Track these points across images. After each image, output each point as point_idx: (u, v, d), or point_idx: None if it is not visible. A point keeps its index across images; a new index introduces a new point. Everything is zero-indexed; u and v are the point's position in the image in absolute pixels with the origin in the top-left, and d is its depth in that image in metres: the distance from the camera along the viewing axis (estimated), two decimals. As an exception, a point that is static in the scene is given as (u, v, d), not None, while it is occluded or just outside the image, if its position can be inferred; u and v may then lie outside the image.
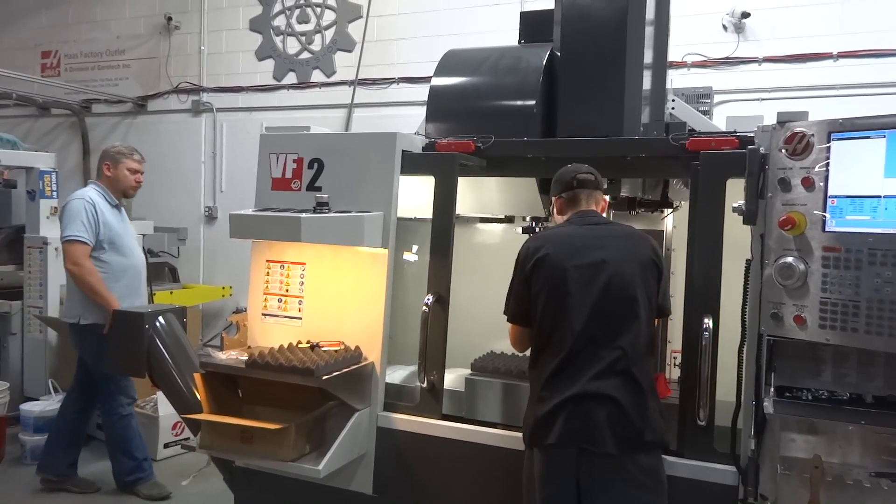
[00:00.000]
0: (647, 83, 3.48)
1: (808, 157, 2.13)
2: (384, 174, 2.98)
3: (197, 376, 2.81)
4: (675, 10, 5.41)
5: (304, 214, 2.70)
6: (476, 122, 3.24)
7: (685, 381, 2.56)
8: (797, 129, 2.14)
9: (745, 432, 2.35)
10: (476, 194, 3.59)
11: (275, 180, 3.16)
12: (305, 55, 6.89)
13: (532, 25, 3.60)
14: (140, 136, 7.41)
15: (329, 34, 6.79)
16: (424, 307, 2.87)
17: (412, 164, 3.02)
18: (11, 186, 5.67)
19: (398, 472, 2.93)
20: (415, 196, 3.15)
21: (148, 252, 5.02)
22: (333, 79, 6.78)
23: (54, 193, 5.33)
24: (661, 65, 3.63)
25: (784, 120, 2.19)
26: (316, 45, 6.85)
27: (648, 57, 3.47)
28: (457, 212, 3.55)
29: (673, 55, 5.65)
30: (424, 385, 2.90)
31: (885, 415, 2.08)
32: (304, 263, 3.09)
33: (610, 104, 3.10)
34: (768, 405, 2.17)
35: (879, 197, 2.00)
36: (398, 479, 2.93)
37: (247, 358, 2.75)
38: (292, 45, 6.95)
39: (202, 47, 7.27)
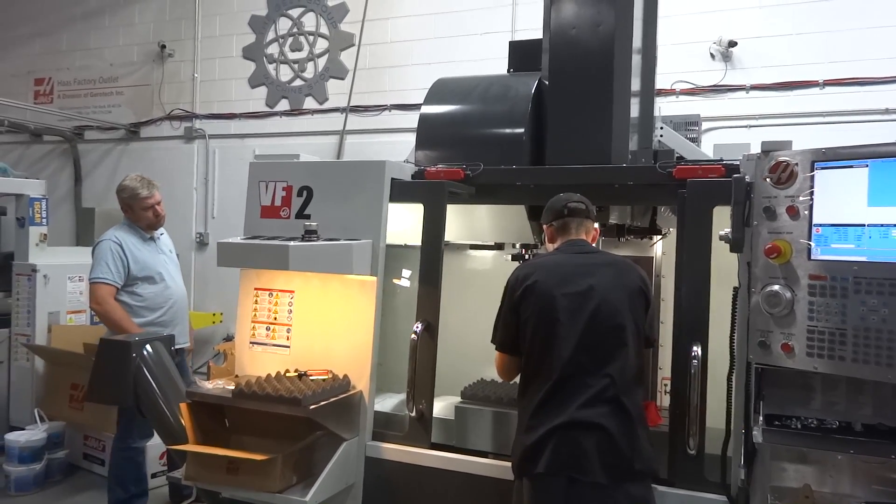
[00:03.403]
0: (634, 111, 3.52)
1: (793, 186, 2.14)
2: (373, 202, 2.98)
3: (182, 406, 2.79)
4: (663, 39, 5.50)
5: (291, 243, 2.69)
6: (465, 149, 3.26)
7: (675, 410, 2.55)
8: (781, 158, 2.16)
9: (735, 461, 2.33)
10: (466, 221, 3.59)
11: (264, 208, 3.16)
12: (298, 82, 6.93)
13: (521, 54, 3.64)
14: (132, 162, 7.42)
15: (322, 62, 6.84)
16: (413, 335, 2.86)
17: (401, 191, 3.03)
18: (1, 213, 5.65)
19: (387, 503, 2.90)
20: (404, 223, 3.16)
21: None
22: (326, 106, 6.82)
23: (44, 220, 5.31)
24: (649, 93, 3.68)
25: (768, 149, 2.21)
26: (309, 73, 6.90)
27: (636, 85, 3.51)
28: (447, 239, 3.60)
29: (662, 83, 5.74)
30: (413, 414, 2.88)
31: (874, 444, 2.07)
32: (293, 291, 3.09)
33: (598, 132, 3.14)
34: (757, 434, 2.16)
35: (864, 226, 2.01)
36: (386, 509, 2.90)
37: (233, 387, 2.73)
38: (285, 73, 7.00)
39: (195, 74, 7.31)
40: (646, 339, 2.59)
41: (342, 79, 6.70)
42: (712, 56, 5.60)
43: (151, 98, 7.50)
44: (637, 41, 3.47)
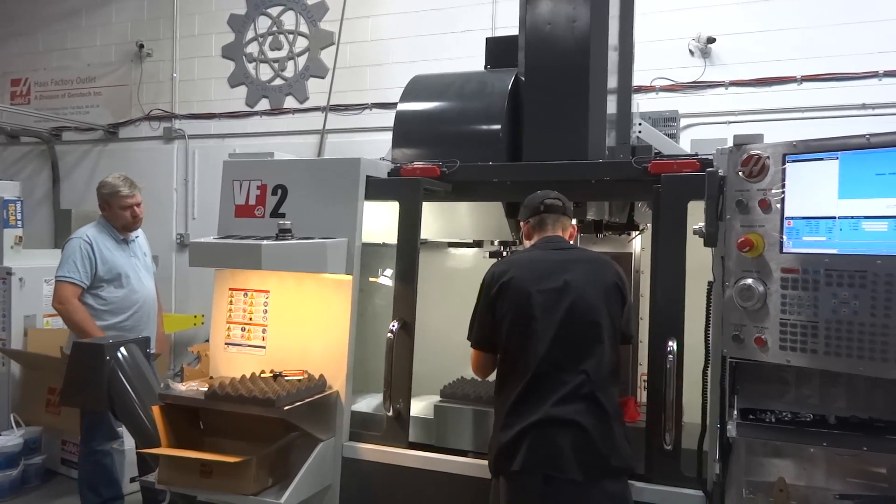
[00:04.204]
0: (612, 107, 3.52)
1: (765, 179, 2.14)
2: (348, 200, 2.96)
3: (155, 409, 2.75)
4: (642, 36, 5.50)
5: (264, 242, 2.66)
6: (442, 146, 3.24)
7: (651, 405, 2.54)
8: (753, 152, 2.15)
9: (711, 456, 2.32)
10: (445, 219, 3.58)
11: (238, 207, 3.13)
12: (278, 82, 6.89)
13: (498, 51, 3.62)
14: (111, 163, 7.33)
15: (302, 61, 6.80)
16: (389, 334, 2.84)
17: (377, 189, 3.00)
18: (-26, 215, 5.57)
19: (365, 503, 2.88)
20: (383, 221, 3.13)
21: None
22: (306, 105, 6.78)
23: (19, 223, 5.25)
24: (627, 89, 3.67)
25: (740, 142, 2.20)
26: (289, 72, 6.85)
27: (613, 81, 3.51)
28: (426, 237, 3.58)
29: (641, 80, 5.75)
30: (390, 413, 2.86)
31: (847, 436, 2.07)
32: (268, 291, 3.05)
33: (574, 128, 3.12)
34: (731, 428, 2.16)
35: (834, 218, 2.01)
36: (364, 510, 2.87)
37: (206, 389, 2.69)
38: (265, 72, 6.95)
39: (174, 74, 7.24)
40: (623, 336, 2.58)
41: (323, 77, 6.66)
42: (691, 53, 5.61)
43: (130, 98, 7.43)
44: (614, 38, 3.46)
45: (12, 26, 7.93)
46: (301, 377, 2.82)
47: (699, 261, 2.53)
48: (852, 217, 1.97)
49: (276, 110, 6.86)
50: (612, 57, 3.47)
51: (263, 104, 6.94)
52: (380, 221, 3.13)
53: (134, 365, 3.41)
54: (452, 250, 3.93)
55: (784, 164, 2.10)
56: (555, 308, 2.45)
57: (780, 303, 2.09)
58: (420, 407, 3.18)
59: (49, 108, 7.70)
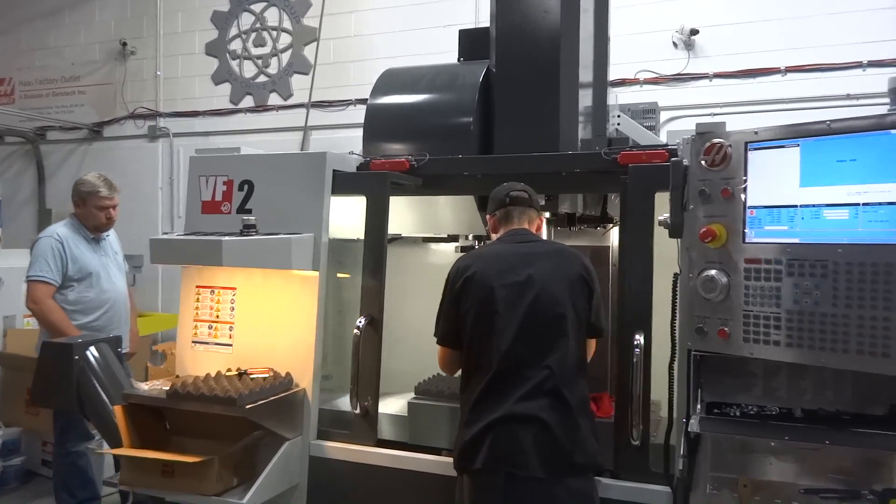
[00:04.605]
0: (588, 99, 3.48)
1: (727, 168, 2.09)
2: (314, 195, 2.91)
3: (117, 408, 2.71)
4: (626, 28, 5.47)
5: (225, 237, 2.61)
6: (413, 140, 3.20)
7: (619, 400, 2.50)
8: (715, 140, 2.10)
9: (677, 451, 2.28)
10: (421, 213, 3.54)
11: (204, 203, 3.09)
12: (262, 79, 6.83)
13: (471, 42, 3.57)
14: (96, 162, 7.27)
15: (286, 57, 6.75)
16: (356, 330, 2.79)
17: (343, 183, 2.96)
18: (-47, 216, 5.54)
19: (332, 503, 2.83)
20: (358, 216, 3.08)
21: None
22: (290, 102, 6.73)
23: (-2, 223, 5.20)
24: (602, 81, 3.63)
25: (703, 131, 2.15)
26: (273, 69, 6.80)
27: (588, 74, 3.47)
28: (401, 232, 3.54)
29: (625, 73, 5.71)
30: (358, 411, 2.81)
31: (809, 430, 2.02)
32: (235, 288, 3.01)
33: (545, 120, 3.08)
34: (694, 423, 2.11)
35: (796, 206, 1.96)
36: (332, 509, 2.83)
37: (168, 388, 2.65)
38: (249, 69, 6.90)
39: (158, 72, 7.19)
40: (593, 329, 2.53)
41: (307, 74, 6.60)
42: (675, 45, 5.56)
43: (114, 97, 7.37)
44: (588, 30, 3.42)
45: (-5, 24, 7.89)
46: (266, 375, 2.77)
47: (669, 252, 2.48)
48: (813, 206, 1.93)
49: (260, 107, 6.82)
50: (587, 49, 3.43)
51: (248, 101, 6.89)
52: (355, 217, 3.08)
53: (104, 364, 3.36)
54: (431, 245, 3.88)
55: (746, 151, 2.05)
56: (518, 302, 2.40)
57: (744, 294, 2.04)
58: (395, 404, 3.13)
59: (33, 108, 7.65)
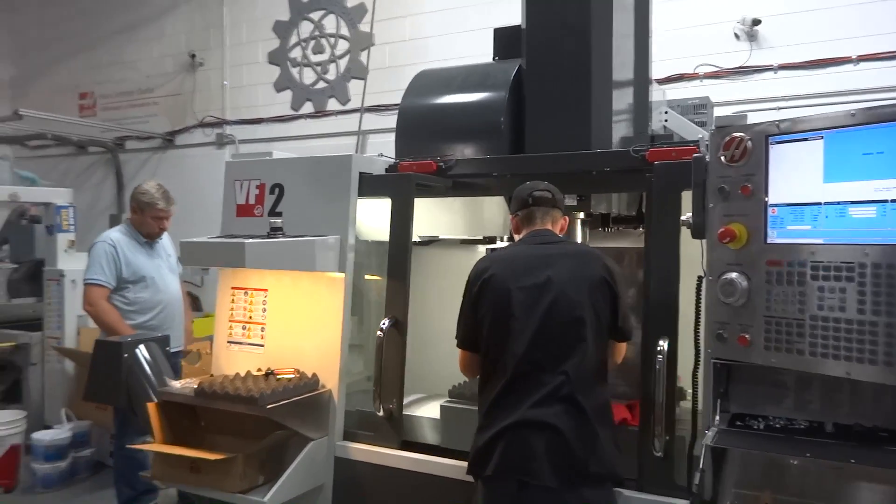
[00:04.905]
0: (628, 97, 3.37)
1: (747, 164, 1.96)
2: (341, 197, 2.93)
3: (150, 406, 2.79)
4: (684, 21, 5.27)
5: (248, 240, 2.66)
6: (443, 141, 3.17)
7: (644, 409, 2.39)
8: (735, 134, 1.98)
9: (697, 464, 2.15)
10: (458, 215, 3.52)
11: (239, 207, 3.15)
12: (321, 85, 6.93)
13: (505, 41, 3.51)
14: (168, 169, 7.61)
15: (343, 63, 6.82)
16: (379, 332, 2.78)
17: (370, 186, 2.96)
18: (37, 221, 5.87)
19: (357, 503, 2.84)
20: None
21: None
22: (349, 106, 6.81)
23: (71, 227, 5.49)
24: (644, 78, 3.49)
25: (723, 124, 2.03)
26: (331, 75, 6.90)
27: (628, 71, 3.35)
28: (437, 234, 3.52)
29: (683, 67, 5.51)
30: (381, 413, 2.80)
31: (835, 447, 1.87)
32: (266, 290, 3.06)
33: (576, 119, 2.99)
34: (710, 435, 1.98)
35: (820, 204, 1.82)
36: (357, 510, 2.83)
37: (196, 387, 2.71)
38: (308, 76, 7.02)
39: (224, 82, 7.45)
40: (620, 333, 2.43)
41: (363, 79, 6.68)
42: (736, 36, 5.31)
43: (185, 107, 7.69)
44: (627, 26, 3.31)
45: (79, 41, 8.36)
46: (291, 376, 2.80)
47: (698, 254, 2.36)
48: (838, 203, 1.78)
49: (320, 113, 6.95)
50: (626, 46, 3.31)
51: (308, 107, 7.02)
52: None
53: (152, 363, 3.49)
54: (469, 247, 3.83)
55: (767, 146, 1.92)
56: (535, 305, 2.33)
57: (765, 299, 1.91)
58: (434, 408, 3.10)
59: (113, 119, 8.07)
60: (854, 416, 2.02)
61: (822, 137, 1.81)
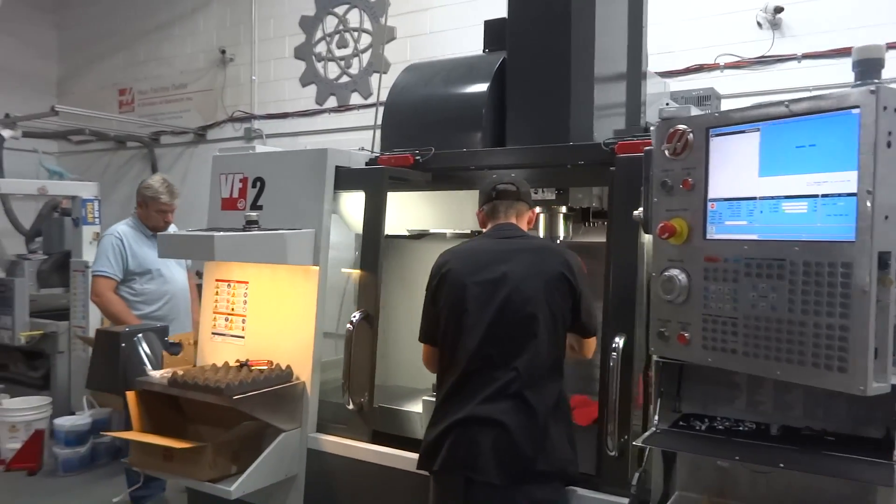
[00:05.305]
0: (619, 89, 3.29)
1: (689, 157, 1.89)
2: (316, 190, 2.95)
3: (129, 394, 2.88)
4: (704, 10, 5.11)
5: (217, 233, 2.71)
6: (425, 134, 3.16)
7: (601, 407, 2.34)
8: (678, 127, 1.91)
9: (642, 464, 2.10)
10: (445, 209, 3.50)
11: (224, 200, 3.22)
12: (344, 79, 7.03)
13: (495, 33, 3.47)
14: (200, 164, 7.81)
15: (366, 57, 6.90)
16: (349, 325, 2.80)
17: (345, 179, 2.98)
18: (67, 214, 6.11)
19: (328, 495, 2.86)
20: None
21: (197, 273, 5.21)
22: (371, 100, 6.86)
23: (96, 220, 5.69)
24: (637, 70, 3.40)
25: (668, 116, 1.96)
26: (354, 69, 6.98)
27: (619, 62, 3.28)
28: (427, 228, 3.51)
29: (704, 57, 5.35)
30: (351, 407, 2.82)
31: (771, 449, 1.79)
32: (247, 282, 3.11)
33: (555, 111, 2.94)
34: (644, 436, 1.93)
35: (755, 199, 1.74)
36: (328, 502, 2.86)
37: (170, 376, 2.79)
38: (333, 70, 7.12)
39: (253, 77, 7.58)
40: (583, 329, 2.39)
41: (385, 73, 6.71)
42: (759, 24, 5.13)
43: (216, 102, 7.87)
44: (618, 18, 3.23)
45: (118, 39, 8.65)
46: (264, 367, 2.85)
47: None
48: (772, 197, 1.70)
49: (343, 107, 7.01)
50: (616, 38, 3.24)
51: (332, 101, 7.11)
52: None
53: (149, 352, 3.61)
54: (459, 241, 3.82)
55: (708, 138, 1.85)
56: (490, 301, 2.31)
57: (703, 296, 1.85)
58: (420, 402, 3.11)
59: (149, 115, 8.33)
60: (806, 419, 1.94)
61: (759, 130, 1.73)
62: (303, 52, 7.25)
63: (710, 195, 1.84)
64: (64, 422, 5.02)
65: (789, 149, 1.67)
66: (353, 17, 6.98)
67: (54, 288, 5.92)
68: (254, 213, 2.89)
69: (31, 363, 5.83)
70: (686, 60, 5.39)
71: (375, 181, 2.91)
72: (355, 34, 6.96)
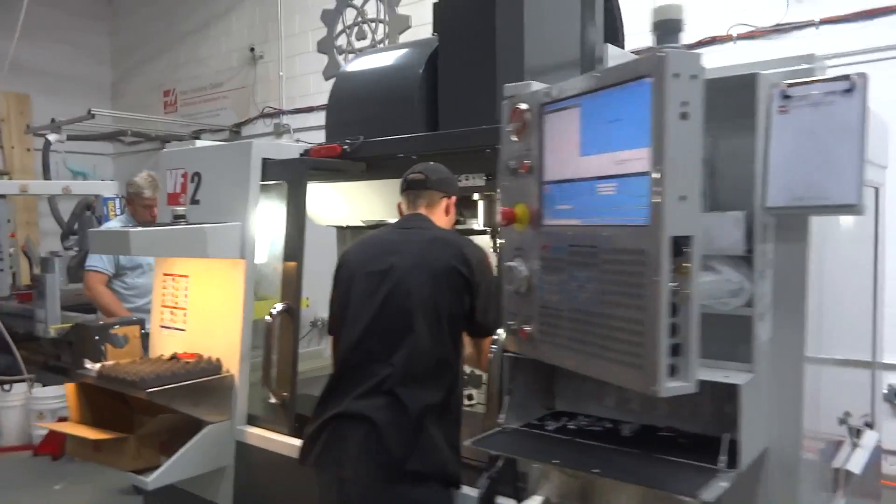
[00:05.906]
0: (567, 75, 3.10)
1: (527, 137, 1.75)
2: (241, 183, 2.95)
3: (68, 386, 2.98)
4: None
5: (133, 229, 2.75)
6: (364, 122, 3.10)
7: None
8: (518, 106, 1.77)
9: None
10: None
11: (169, 196, 3.27)
12: (364, 71, 7.02)
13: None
14: (235, 160, 8.02)
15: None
16: (268, 317, 2.78)
17: (269, 171, 2.96)
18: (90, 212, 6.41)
19: (256, 488, 2.87)
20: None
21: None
22: (389, 91, 6.84)
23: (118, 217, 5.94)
24: (590, 55, 3.20)
25: (508, 94, 1.83)
26: (372, 60, 6.96)
27: (572, 50, 3.09)
28: (385, 218, 3.46)
29: (715, 30, 5.03)
30: (273, 400, 2.81)
31: (590, 452, 1.64)
32: (188, 276, 3.15)
33: (483, 94, 2.80)
34: (480, 437, 1.81)
35: (575, 181, 1.59)
36: (257, 494, 2.86)
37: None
38: (352, 62, 7.12)
39: (280, 73, 7.72)
40: (480, 328, 2.27)
41: (400, 62, 6.67)
42: (772, -10, 4.77)
43: (248, 99, 8.06)
44: (568, 5, 3.05)
45: (162, 42, 9.00)
46: (190, 360, 2.88)
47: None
48: (588, 179, 1.54)
49: (362, 99, 7.01)
50: (560, 17, 3.05)
51: (352, 94, 7.13)
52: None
53: (125, 345, 3.72)
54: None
55: (542, 116, 1.70)
56: (375, 293, 2.24)
57: (539, 287, 1.71)
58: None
59: (189, 114, 8.64)
60: (670, 419, 1.77)
61: (580, 105, 1.58)
62: (325, 46, 7.27)
63: (544, 177, 1.70)
64: (84, 410, 5.27)
65: (603, 124, 1.51)
66: (371, 8, 6.95)
67: (80, 283, 6.21)
68: (181, 209, 2.92)
69: (61, 354, 6.16)
70: (697, 34, 5.07)
71: (297, 172, 2.88)
72: (373, 25, 6.94)
